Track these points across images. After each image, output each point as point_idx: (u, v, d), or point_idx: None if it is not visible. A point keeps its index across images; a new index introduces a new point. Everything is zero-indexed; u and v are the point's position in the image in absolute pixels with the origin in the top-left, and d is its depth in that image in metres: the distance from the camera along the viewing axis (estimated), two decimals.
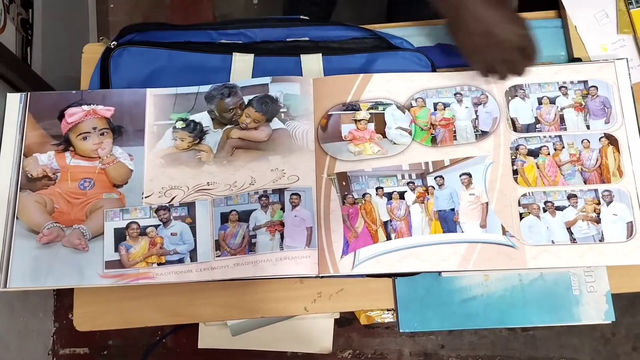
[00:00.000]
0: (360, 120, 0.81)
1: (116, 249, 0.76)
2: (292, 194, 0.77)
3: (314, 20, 0.89)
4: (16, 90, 1.23)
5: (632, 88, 0.81)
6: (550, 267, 0.77)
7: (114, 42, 0.85)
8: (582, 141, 0.80)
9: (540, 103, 0.82)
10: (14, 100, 0.82)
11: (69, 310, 1.62)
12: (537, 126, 0.81)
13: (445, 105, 0.82)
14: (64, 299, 1.66)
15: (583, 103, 0.82)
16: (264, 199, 0.77)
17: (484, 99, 0.82)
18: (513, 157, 0.80)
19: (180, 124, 0.81)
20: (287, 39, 0.87)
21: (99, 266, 0.75)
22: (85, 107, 0.81)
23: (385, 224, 0.77)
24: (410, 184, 0.79)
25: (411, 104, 0.82)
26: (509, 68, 0.77)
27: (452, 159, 0.80)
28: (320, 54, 0.85)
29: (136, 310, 0.80)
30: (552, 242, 0.76)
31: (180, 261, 0.76)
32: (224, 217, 0.77)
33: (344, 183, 0.78)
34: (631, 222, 0.77)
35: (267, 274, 0.74)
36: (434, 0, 0.76)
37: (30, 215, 0.77)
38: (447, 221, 0.78)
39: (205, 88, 0.82)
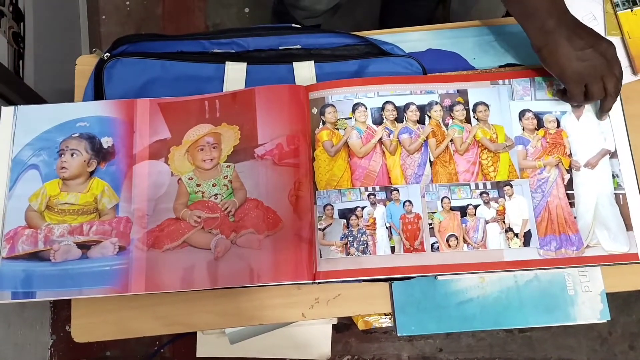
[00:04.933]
0: None
1: None
2: None
3: (306, 28, 0.90)
4: (9, 103, 1.23)
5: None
6: None
7: (107, 54, 0.86)
8: None
9: None
10: (8, 114, 0.82)
11: (66, 322, 1.62)
12: None
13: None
14: (61, 311, 1.66)
15: None
16: None
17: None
18: None
19: None
20: (280, 47, 0.88)
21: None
22: None
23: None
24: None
25: None
26: (605, 87, 0.76)
27: None
28: (313, 62, 0.86)
29: (133, 320, 0.80)
30: None
31: None
32: None
33: None
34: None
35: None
36: (526, 29, 0.76)
37: None
38: None
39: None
